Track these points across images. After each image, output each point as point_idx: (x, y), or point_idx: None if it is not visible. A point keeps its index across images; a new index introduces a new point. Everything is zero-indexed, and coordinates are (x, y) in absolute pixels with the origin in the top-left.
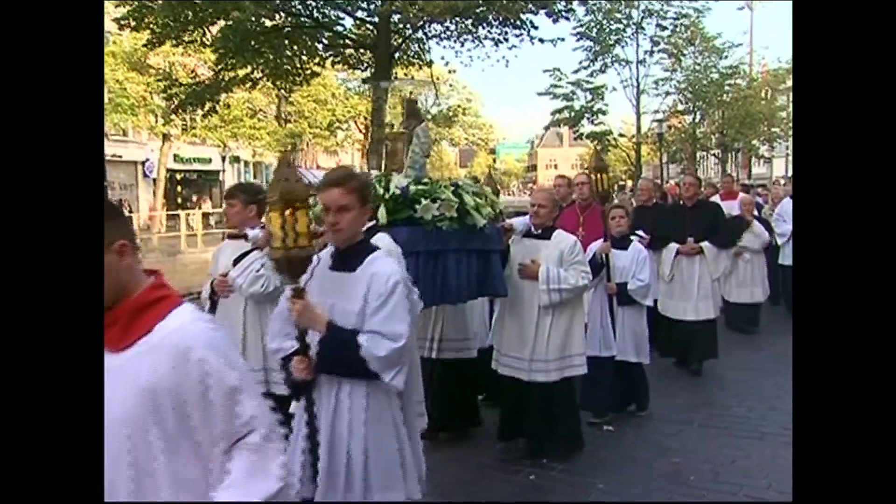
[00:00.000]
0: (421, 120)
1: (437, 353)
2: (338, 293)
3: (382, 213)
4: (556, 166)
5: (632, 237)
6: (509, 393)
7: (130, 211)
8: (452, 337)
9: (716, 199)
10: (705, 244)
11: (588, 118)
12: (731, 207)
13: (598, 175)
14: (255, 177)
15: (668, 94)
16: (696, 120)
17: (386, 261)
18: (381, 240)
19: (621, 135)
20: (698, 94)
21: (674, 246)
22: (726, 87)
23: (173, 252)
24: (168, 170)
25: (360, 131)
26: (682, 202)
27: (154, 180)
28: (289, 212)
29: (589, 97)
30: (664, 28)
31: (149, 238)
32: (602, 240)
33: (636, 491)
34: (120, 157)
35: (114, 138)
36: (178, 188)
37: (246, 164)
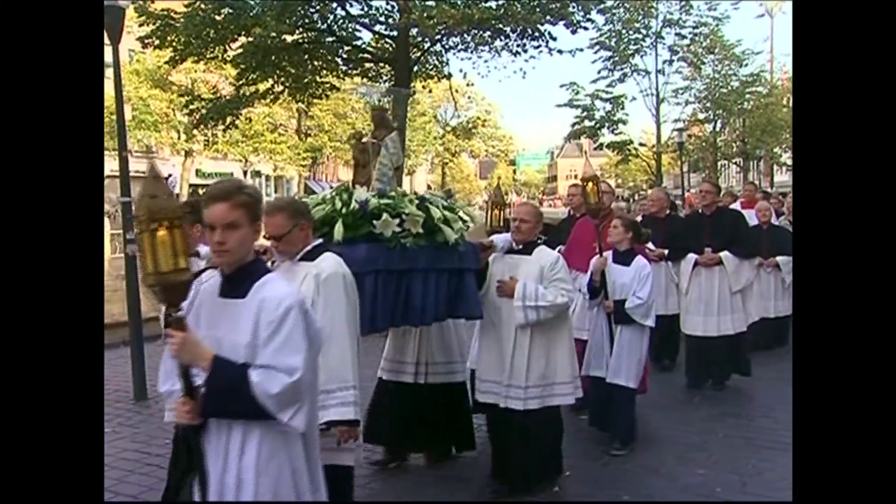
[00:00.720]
0: (391, 129)
1: (424, 377)
2: (226, 324)
3: (339, 230)
4: (576, 176)
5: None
6: (490, 420)
7: None
8: (438, 360)
9: (736, 206)
10: (725, 254)
11: (608, 128)
12: (752, 217)
13: (587, 185)
14: (276, 191)
15: (688, 102)
16: (717, 128)
17: (278, 284)
18: (327, 260)
19: (641, 144)
20: (719, 103)
21: (692, 257)
22: (747, 95)
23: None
24: (190, 185)
25: None
26: (699, 211)
27: (177, 195)
28: (161, 232)
29: (608, 107)
30: (683, 37)
31: None
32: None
33: (662, 502)
34: (143, 172)
35: (137, 154)
36: None
37: (267, 178)
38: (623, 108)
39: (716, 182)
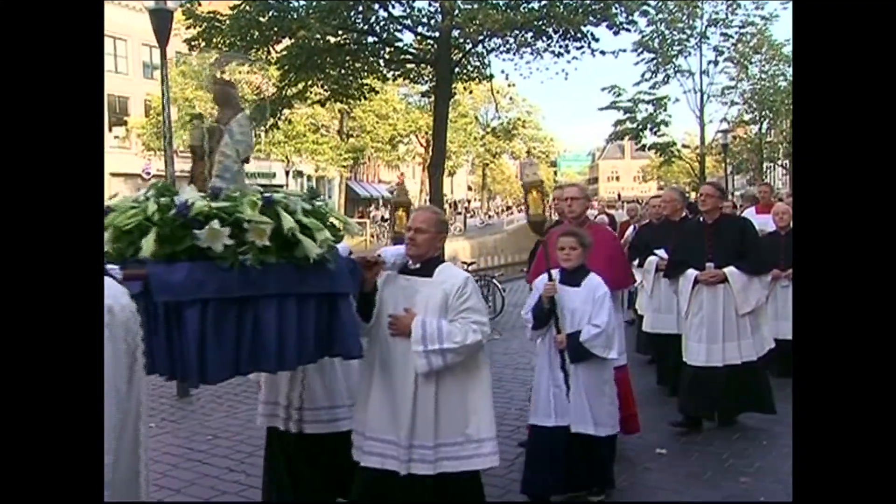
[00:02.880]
0: (238, 110)
1: (296, 424)
2: None
3: (149, 243)
4: (617, 178)
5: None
6: (375, 491)
7: None
8: (317, 405)
9: (750, 212)
10: (730, 270)
11: (651, 129)
12: (766, 223)
13: (529, 193)
14: None
15: (733, 103)
16: (763, 130)
17: None
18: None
19: (685, 146)
20: (765, 103)
21: (691, 273)
22: None
23: None
24: None
25: (422, 145)
26: (701, 218)
27: None
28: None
29: (651, 109)
30: (729, 37)
31: None
32: (546, 276)
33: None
34: (187, 172)
35: (182, 155)
36: None
37: (309, 178)
38: (666, 110)
39: (718, 184)
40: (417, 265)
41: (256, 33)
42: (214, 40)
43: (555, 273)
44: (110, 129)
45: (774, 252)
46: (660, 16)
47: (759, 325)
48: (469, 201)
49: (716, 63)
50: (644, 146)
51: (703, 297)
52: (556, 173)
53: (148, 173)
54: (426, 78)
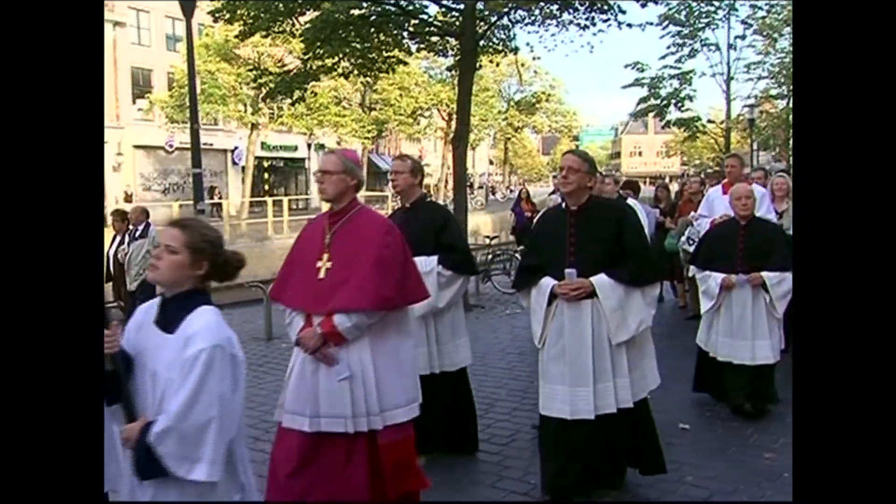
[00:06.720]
0: None
1: None
2: None
3: None
4: (640, 153)
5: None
6: None
7: (220, 197)
8: None
9: (716, 191)
10: (600, 280)
11: (675, 104)
12: (726, 205)
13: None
14: None
15: (760, 77)
16: (791, 105)
17: None
18: None
19: (710, 121)
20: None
21: (547, 284)
22: None
23: (260, 238)
24: (256, 157)
25: (443, 118)
26: (563, 204)
27: (243, 168)
28: None
29: (676, 83)
30: (759, 9)
31: (238, 224)
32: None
33: (727, 486)
34: (211, 145)
35: (205, 127)
36: (266, 175)
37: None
38: (691, 84)
39: (585, 154)
40: None
41: (280, 5)
42: (238, 12)
43: (143, 310)
44: (134, 102)
45: (731, 248)
46: None
47: (643, 355)
48: (490, 175)
49: (743, 37)
50: (668, 122)
51: (563, 317)
52: (578, 148)
53: (171, 146)
54: (451, 51)
